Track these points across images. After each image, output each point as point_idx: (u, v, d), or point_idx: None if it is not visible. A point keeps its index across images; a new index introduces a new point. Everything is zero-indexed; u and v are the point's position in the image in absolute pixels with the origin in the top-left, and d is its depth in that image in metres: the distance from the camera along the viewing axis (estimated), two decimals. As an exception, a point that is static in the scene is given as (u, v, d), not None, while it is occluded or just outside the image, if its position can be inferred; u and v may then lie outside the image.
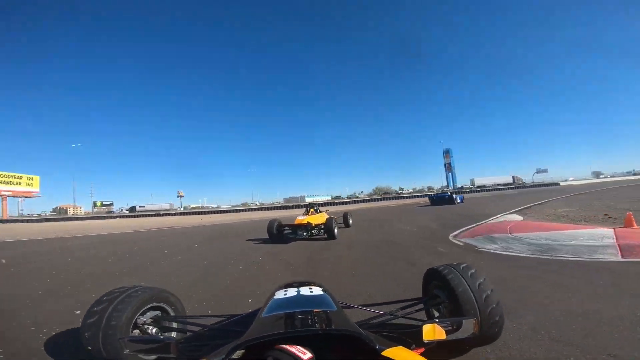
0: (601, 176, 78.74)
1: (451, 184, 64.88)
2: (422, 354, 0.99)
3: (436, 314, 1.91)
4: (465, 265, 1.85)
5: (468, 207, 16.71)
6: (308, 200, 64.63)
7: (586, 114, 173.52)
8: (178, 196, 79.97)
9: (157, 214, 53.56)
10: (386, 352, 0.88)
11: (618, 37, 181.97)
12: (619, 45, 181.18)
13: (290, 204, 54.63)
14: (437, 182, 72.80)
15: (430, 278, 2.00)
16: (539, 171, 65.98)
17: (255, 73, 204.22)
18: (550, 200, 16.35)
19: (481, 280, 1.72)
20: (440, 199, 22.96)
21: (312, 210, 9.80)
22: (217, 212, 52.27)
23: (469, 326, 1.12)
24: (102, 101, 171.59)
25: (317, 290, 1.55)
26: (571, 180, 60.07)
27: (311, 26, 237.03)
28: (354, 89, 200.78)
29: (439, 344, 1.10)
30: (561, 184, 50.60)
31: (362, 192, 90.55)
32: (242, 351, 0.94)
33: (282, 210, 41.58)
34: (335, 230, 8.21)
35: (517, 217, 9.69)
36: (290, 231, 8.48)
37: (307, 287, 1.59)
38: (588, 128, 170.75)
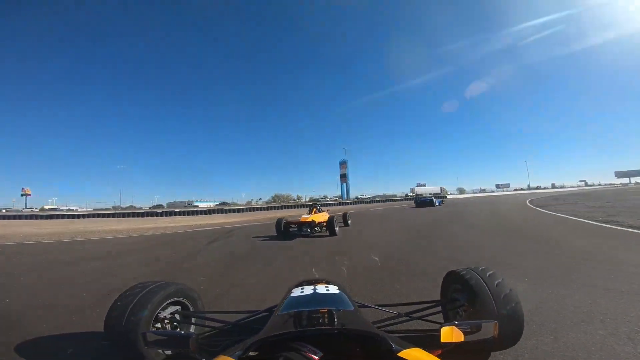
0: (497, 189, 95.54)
1: (344, 194, 68.47)
2: (439, 356, 0.98)
3: (455, 317, 1.92)
4: (484, 267, 1.88)
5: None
6: (200, 205, 62.39)
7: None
8: (22, 194, 61.65)
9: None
10: (402, 353, 0.87)
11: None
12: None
13: (159, 211, 43.88)
14: (333, 191, 77.80)
15: (450, 281, 2.01)
16: (419, 185, 79.16)
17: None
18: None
19: (499, 281, 1.72)
20: (423, 202, 29.80)
21: (315, 209, 10.73)
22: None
23: (488, 329, 1.07)
24: None
25: (333, 289, 1.57)
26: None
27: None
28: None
29: (456, 346, 1.07)
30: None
31: (260, 199, 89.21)
32: (258, 348, 0.94)
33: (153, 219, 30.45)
34: (336, 228, 9.21)
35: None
36: (296, 228, 9.43)
37: (324, 286, 1.62)
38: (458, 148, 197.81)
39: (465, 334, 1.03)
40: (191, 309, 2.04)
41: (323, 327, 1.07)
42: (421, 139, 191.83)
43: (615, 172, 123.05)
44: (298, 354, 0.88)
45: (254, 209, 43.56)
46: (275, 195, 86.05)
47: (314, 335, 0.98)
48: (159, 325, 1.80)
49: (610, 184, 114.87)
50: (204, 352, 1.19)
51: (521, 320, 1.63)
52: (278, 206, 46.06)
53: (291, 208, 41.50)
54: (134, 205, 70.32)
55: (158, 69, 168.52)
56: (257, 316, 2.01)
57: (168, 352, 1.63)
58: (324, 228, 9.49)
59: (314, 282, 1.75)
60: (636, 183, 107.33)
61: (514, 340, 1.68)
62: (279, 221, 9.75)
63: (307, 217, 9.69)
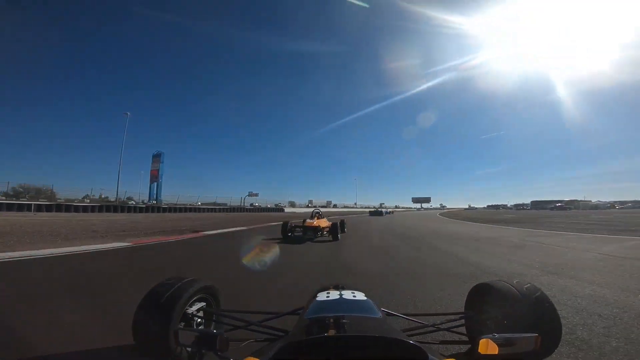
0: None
1: (154, 194, 48.59)
2: None
3: (485, 330, 1.73)
4: (518, 280, 1.81)
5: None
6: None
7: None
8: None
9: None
10: None
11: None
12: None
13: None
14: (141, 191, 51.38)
15: (481, 292, 1.92)
16: (251, 194, 68.45)
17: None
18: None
19: (538, 294, 1.64)
20: (375, 212, 45.86)
21: (317, 215, 11.51)
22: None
23: (529, 342, 0.98)
24: None
25: (360, 296, 1.52)
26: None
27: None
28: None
29: (491, 358, 0.97)
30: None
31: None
32: (286, 352, 0.90)
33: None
34: (339, 234, 9.93)
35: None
36: (301, 233, 10.04)
37: (350, 292, 1.57)
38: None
39: (500, 346, 0.95)
40: (213, 306, 2.07)
41: (354, 335, 1.00)
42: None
43: (412, 198, 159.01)
44: None
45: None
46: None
47: (343, 341, 0.94)
48: (184, 322, 1.79)
49: (407, 208, 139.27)
50: (231, 352, 1.13)
51: (559, 335, 1.59)
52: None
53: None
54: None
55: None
56: (281, 317, 2.00)
57: (195, 350, 1.56)
58: (327, 233, 10.05)
59: (340, 287, 1.71)
60: (425, 208, 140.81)
61: (549, 353, 1.60)
62: (284, 224, 10.27)
63: (311, 221, 10.27)
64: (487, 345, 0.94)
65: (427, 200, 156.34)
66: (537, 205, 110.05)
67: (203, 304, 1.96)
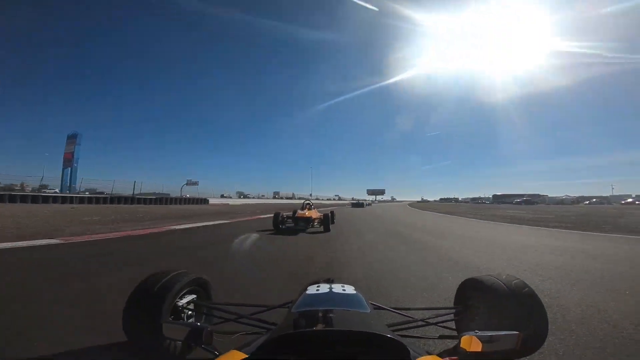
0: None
1: (67, 181, 38.77)
2: None
3: (473, 325, 1.72)
4: (507, 275, 1.81)
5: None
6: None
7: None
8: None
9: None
10: None
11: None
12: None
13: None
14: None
15: (470, 287, 1.93)
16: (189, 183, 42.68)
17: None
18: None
19: (526, 290, 1.65)
20: (357, 204, 49.41)
21: (308, 206, 11.38)
22: None
23: (511, 340, 0.99)
24: None
25: (349, 289, 1.50)
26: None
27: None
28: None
29: (475, 355, 0.99)
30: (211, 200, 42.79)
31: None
32: (271, 345, 0.89)
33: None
34: (330, 225, 10.22)
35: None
36: (292, 224, 10.03)
37: (340, 285, 1.55)
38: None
39: (484, 343, 0.96)
40: (204, 298, 2.08)
41: (338, 329, 0.98)
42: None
43: (367, 190, 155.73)
44: (311, 354, 0.85)
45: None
46: None
47: (326, 335, 0.94)
48: (174, 315, 1.77)
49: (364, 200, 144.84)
50: (217, 345, 1.15)
51: (545, 331, 1.58)
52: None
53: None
54: None
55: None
56: (270, 310, 1.97)
57: (181, 341, 1.59)
58: (317, 224, 10.09)
59: (330, 281, 1.71)
60: (379, 201, 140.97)
61: (534, 350, 1.60)
62: (276, 215, 10.15)
63: (303, 212, 10.34)
64: (470, 342, 0.96)
65: (382, 192, 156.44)
66: (498, 198, 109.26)
67: (193, 296, 1.96)
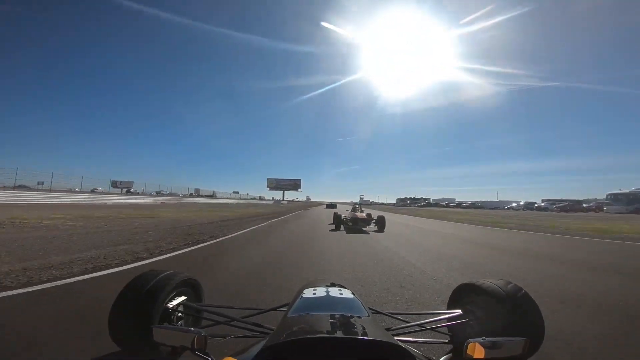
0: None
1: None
2: None
3: (468, 330, 1.73)
4: (503, 280, 1.79)
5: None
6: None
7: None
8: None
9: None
10: None
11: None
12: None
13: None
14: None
15: (467, 292, 1.89)
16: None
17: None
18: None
19: (521, 293, 1.63)
20: (330, 205, 49.26)
21: (360, 208, 14.26)
22: None
23: (517, 346, 0.95)
24: None
25: (346, 293, 1.43)
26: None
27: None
28: None
29: None
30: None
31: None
32: (268, 353, 0.84)
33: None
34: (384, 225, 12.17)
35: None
36: (351, 223, 12.15)
37: (337, 289, 1.50)
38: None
39: (490, 349, 0.92)
40: (194, 300, 2.01)
41: (339, 336, 0.92)
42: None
43: (268, 179, 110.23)
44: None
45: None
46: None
47: (326, 342, 0.88)
48: (163, 318, 1.70)
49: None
50: (212, 348, 1.07)
51: (542, 335, 1.55)
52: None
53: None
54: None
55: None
56: (265, 313, 1.91)
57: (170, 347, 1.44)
58: (374, 224, 12.25)
59: (326, 284, 1.61)
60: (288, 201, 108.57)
61: (530, 354, 1.48)
62: (336, 215, 12.99)
63: (362, 214, 12.82)
64: (474, 349, 0.91)
65: (298, 184, 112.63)
66: (402, 201, 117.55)
67: (183, 297, 1.89)
